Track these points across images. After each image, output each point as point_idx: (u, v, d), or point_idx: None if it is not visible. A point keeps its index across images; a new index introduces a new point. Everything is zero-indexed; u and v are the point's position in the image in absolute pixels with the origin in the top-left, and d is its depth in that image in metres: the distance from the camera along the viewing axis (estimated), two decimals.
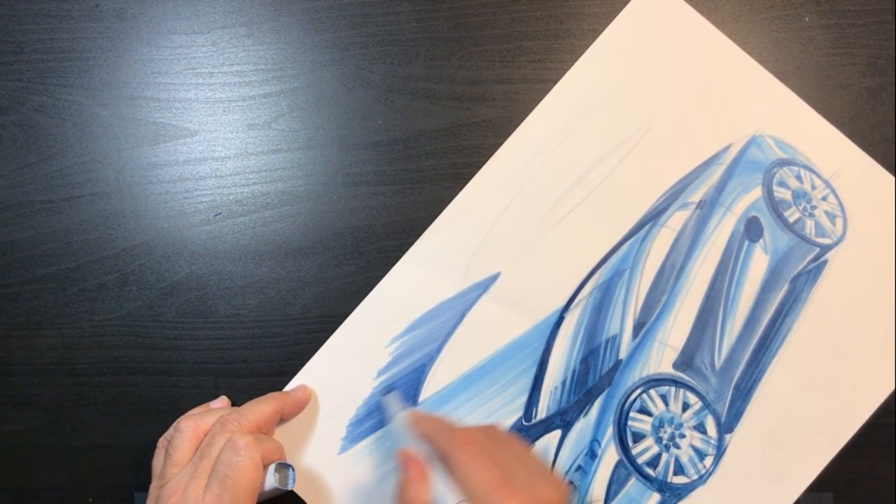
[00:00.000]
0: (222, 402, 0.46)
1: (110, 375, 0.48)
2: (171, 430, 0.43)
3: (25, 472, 0.48)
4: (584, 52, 0.49)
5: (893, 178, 0.48)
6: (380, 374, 0.46)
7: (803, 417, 0.46)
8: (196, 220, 0.49)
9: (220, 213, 0.49)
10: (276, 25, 0.49)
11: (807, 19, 0.49)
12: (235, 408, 0.44)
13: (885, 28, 0.49)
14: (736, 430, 0.46)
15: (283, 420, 0.46)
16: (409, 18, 0.49)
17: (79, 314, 0.48)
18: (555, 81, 0.49)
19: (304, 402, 0.46)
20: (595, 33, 0.49)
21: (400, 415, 0.44)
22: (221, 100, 0.49)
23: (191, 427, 0.42)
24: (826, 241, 0.48)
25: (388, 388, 0.46)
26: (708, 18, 0.49)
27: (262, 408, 0.43)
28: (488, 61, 0.49)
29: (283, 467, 0.42)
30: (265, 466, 0.41)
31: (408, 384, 0.46)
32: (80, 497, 0.48)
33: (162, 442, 0.44)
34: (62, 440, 0.48)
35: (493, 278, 0.47)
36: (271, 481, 0.41)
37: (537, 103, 0.49)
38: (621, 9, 0.49)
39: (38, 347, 0.48)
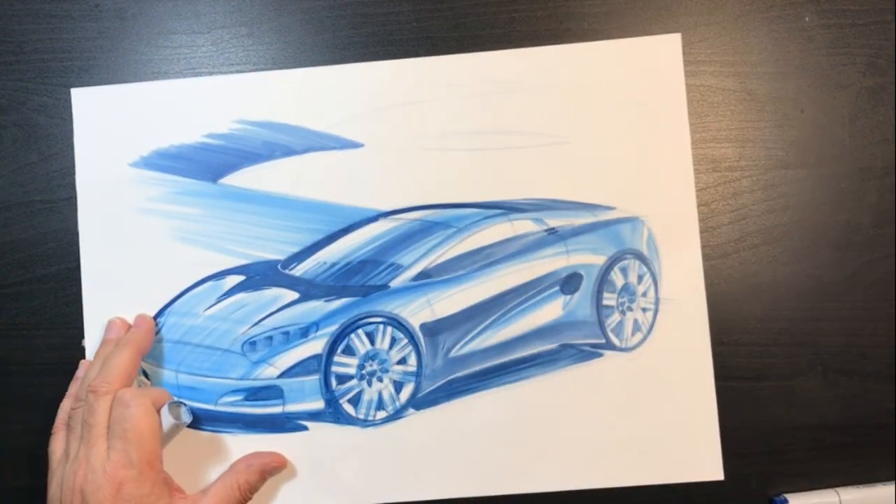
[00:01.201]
0: (84, 367, 0.46)
1: None
2: (65, 414, 0.44)
3: (25, 472, 0.48)
4: None
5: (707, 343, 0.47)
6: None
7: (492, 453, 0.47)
8: None
9: None
10: (276, 25, 0.49)
11: (807, 19, 0.49)
12: (95, 367, 0.43)
13: (885, 28, 0.49)
14: (421, 412, 0.47)
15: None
16: (409, 18, 0.49)
17: (79, 314, 0.48)
18: None
19: (152, 330, 0.46)
20: (595, 33, 0.49)
21: None
22: None
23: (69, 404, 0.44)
24: (615, 341, 0.48)
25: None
26: (708, 18, 0.49)
27: (122, 357, 0.43)
28: None
29: (175, 405, 0.43)
30: (157, 410, 0.42)
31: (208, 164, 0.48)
32: None
33: (59, 426, 0.44)
34: None
35: (358, 146, 0.48)
36: (169, 419, 0.42)
37: None
38: (622, 9, 0.49)
39: (38, 347, 0.48)
